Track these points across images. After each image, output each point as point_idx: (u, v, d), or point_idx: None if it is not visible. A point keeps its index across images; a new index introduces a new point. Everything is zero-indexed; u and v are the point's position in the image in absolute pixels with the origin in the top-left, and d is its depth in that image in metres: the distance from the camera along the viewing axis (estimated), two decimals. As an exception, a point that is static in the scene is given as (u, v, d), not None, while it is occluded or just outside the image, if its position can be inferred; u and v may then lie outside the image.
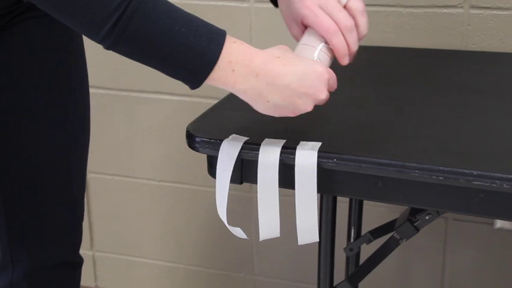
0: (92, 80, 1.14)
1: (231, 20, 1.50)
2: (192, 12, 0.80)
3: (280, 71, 0.79)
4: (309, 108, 0.82)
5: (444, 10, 1.37)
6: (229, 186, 0.85)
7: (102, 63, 1.63)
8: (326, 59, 0.85)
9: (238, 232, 0.88)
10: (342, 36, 0.84)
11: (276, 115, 0.83)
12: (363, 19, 0.87)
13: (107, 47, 0.75)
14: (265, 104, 0.81)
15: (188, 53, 0.75)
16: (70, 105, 1.08)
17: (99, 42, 0.75)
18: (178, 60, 0.76)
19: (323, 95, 0.82)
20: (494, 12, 1.34)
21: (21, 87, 1.03)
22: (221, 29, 0.78)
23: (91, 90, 1.13)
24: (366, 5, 1.41)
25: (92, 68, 1.14)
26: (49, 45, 1.04)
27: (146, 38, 0.74)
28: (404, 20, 1.40)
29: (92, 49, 1.15)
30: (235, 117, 0.96)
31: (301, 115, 0.84)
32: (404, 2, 1.39)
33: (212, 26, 0.78)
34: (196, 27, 0.76)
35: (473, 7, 1.35)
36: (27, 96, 1.03)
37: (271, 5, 1.50)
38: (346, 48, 0.85)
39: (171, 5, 0.76)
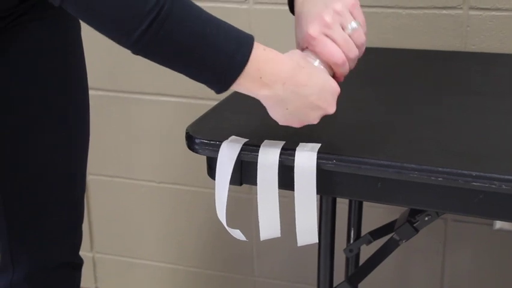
0: (91, 81, 1.14)
1: (230, 21, 1.50)
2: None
3: (304, 81, 0.79)
4: (316, 120, 0.83)
5: (444, 11, 1.37)
6: (229, 187, 0.85)
7: (101, 65, 1.64)
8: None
9: (237, 234, 0.88)
10: (347, 66, 0.85)
11: (284, 123, 0.83)
12: (361, 51, 0.87)
13: (138, 51, 0.75)
14: (283, 111, 0.81)
15: (218, 55, 0.75)
16: (70, 106, 1.09)
17: (130, 46, 0.74)
18: (207, 62, 0.76)
19: (332, 110, 0.83)
20: (494, 13, 1.34)
21: (22, 88, 1.03)
22: (249, 34, 0.78)
23: (90, 91, 1.13)
24: (366, 5, 1.42)
25: (91, 69, 1.14)
26: (50, 46, 1.04)
27: (178, 40, 0.74)
28: (403, 21, 1.40)
29: (90, 51, 1.15)
30: (234, 119, 0.96)
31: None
32: (404, 3, 1.39)
33: (241, 30, 0.78)
34: (227, 30, 0.76)
35: (472, 8, 1.35)
36: (27, 97, 1.04)
37: (270, 7, 1.49)
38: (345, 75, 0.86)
39: (201, 9, 0.76)
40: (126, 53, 0.80)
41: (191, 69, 0.77)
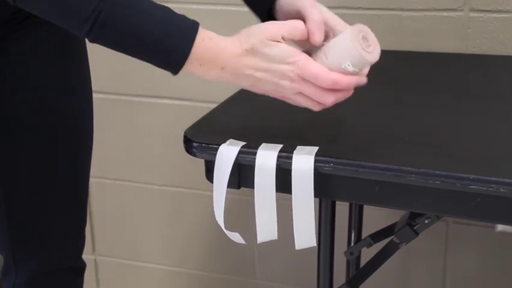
0: (93, 84, 1.14)
1: (231, 25, 1.50)
2: (193, 17, 0.81)
3: (243, 64, 0.82)
4: (276, 92, 0.83)
5: (445, 13, 1.37)
6: (229, 190, 0.85)
7: (103, 68, 1.64)
8: None
9: (236, 237, 0.88)
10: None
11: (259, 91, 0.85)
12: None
13: (91, 42, 0.82)
14: (240, 85, 0.85)
15: (160, 52, 0.80)
16: (73, 107, 1.09)
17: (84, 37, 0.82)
18: (151, 58, 0.82)
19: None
20: (494, 15, 1.33)
21: (27, 91, 1.04)
22: (191, 25, 0.81)
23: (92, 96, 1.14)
24: (367, 8, 1.41)
25: (93, 72, 1.14)
26: (54, 50, 1.05)
27: (119, 39, 0.80)
28: (404, 23, 1.40)
29: (93, 54, 1.15)
30: (232, 122, 0.97)
31: (297, 120, 0.83)
32: (404, 5, 1.39)
33: (183, 23, 0.81)
34: (167, 27, 0.80)
35: (473, 10, 1.34)
36: (32, 100, 1.04)
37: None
38: None
39: (142, 5, 0.80)
40: (127, 56, 0.82)
41: (141, 58, 0.83)
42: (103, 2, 0.77)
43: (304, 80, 0.81)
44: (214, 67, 0.82)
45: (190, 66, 0.81)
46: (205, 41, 0.81)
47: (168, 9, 0.81)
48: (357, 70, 0.82)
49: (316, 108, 0.84)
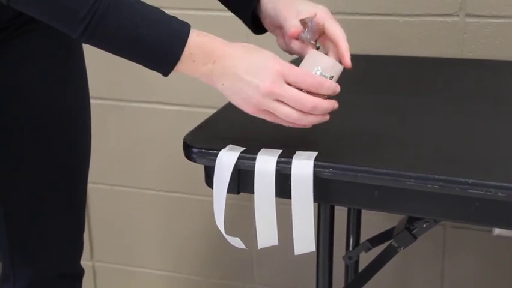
0: (91, 90, 1.15)
1: (229, 30, 1.50)
2: (190, 22, 0.82)
3: (233, 56, 0.83)
4: (253, 98, 0.83)
5: (441, 19, 1.37)
6: (228, 195, 0.85)
7: (101, 74, 1.64)
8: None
9: (236, 242, 0.88)
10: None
11: (236, 104, 0.85)
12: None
13: (83, 43, 0.82)
14: (222, 87, 0.84)
15: (152, 54, 0.81)
16: (71, 115, 1.09)
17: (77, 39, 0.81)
18: (143, 58, 0.82)
19: (264, 86, 0.82)
20: (490, 20, 1.34)
21: (24, 97, 1.04)
22: (183, 26, 0.82)
23: (90, 100, 1.14)
24: (364, 13, 1.42)
25: (91, 78, 1.15)
26: (51, 56, 1.05)
27: (113, 42, 0.80)
28: (400, 28, 1.40)
29: (90, 59, 1.16)
30: (232, 128, 0.97)
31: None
32: (401, 11, 1.40)
33: (175, 24, 0.82)
34: (160, 29, 0.81)
35: (468, 15, 1.35)
36: (29, 105, 1.04)
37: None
38: None
39: (135, 6, 0.80)
40: (125, 61, 0.82)
41: (133, 60, 0.83)
42: (98, 2, 0.78)
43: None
44: (207, 62, 0.82)
45: (182, 64, 0.82)
46: (200, 36, 0.82)
47: (160, 10, 0.82)
48: (327, 76, 0.85)
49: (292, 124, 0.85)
